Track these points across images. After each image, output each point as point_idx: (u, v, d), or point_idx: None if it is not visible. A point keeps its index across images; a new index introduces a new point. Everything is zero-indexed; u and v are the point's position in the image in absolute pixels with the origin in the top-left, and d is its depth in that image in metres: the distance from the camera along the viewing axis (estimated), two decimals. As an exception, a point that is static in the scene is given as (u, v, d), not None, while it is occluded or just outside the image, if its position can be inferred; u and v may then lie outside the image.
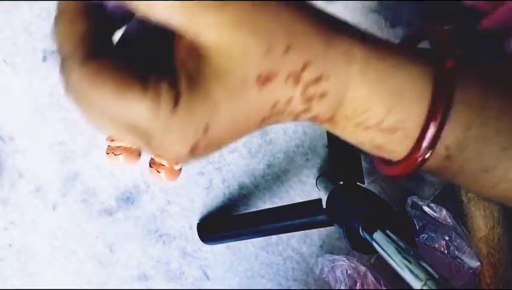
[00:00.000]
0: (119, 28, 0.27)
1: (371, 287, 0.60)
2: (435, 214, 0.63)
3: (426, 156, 0.25)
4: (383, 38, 0.25)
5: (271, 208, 0.62)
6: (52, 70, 0.61)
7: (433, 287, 0.31)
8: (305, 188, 0.65)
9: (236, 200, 0.65)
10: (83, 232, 0.64)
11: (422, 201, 0.64)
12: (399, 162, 0.26)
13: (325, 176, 0.63)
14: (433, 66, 0.25)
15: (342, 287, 0.61)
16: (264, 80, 0.24)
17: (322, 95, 0.25)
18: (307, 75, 0.24)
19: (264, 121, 0.24)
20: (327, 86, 0.25)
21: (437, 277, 0.32)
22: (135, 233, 0.64)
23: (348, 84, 0.25)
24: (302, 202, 0.57)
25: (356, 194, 0.47)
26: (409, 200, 0.65)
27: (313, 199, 0.54)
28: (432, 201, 0.64)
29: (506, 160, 0.26)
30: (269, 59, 0.24)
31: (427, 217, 0.63)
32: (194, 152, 0.24)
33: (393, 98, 0.25)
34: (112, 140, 0.59)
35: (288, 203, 0.62)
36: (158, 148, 0.24)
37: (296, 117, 0.26)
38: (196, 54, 0.24)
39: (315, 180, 0.64)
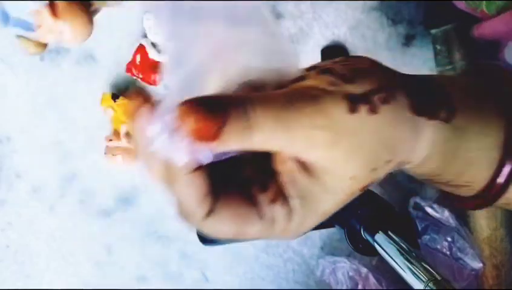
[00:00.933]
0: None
1: (373, 289, 0.60)
2: (437, 215, 0.63)
3: (488, 204, 0.28)
4: (466, 95, 0.28)
5: (271, 209, 0.62)
6: (50, 69, 0.60)
7: (435, 289, 0.31)
8: (306, 189, 0.65)
9: (236, 201, 0.64)
10: (81, 233, 0.63)
11: (424, 202, 0.64)
12: (467, 197, 0.29)
13: (326, 176, 0.62)
14: (503, 131, 0.27)
15: (344, 289, 0.60)
16: (366, 187, 0.28)
17: (403, 167, 0.28)
18: (397, 167, 0.28)
19: None
20: (409, 166, 0.28)
21: (439, 278, 0.32)
22: (133, 234, 0.64)
23: (426, 160, 0.27)
24: (303, 202, 0.56)
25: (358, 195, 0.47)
26: (411, 201, 0.65)
27: (313, 199, 0.53)
28: (434, 202, 0.64)
29: None
30: (373, 175, 0.27)
31: (429, 218, 0.63)
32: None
33: (462, 167, 0.27)
34: (111, 140, 0.59)
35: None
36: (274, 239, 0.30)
37: None
38: (306, 171, 0.27)
39: (315, 181, 0.64)
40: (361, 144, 0.25)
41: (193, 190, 0.27)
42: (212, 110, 0.23)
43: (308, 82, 0.26)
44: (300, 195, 0.27)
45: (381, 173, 0.27)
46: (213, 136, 0.23)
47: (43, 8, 0.52)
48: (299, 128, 0.24)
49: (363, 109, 0.24)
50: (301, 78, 0.26)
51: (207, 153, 0.25)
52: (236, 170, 0.29)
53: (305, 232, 0.29)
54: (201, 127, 0.23)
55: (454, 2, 0.53)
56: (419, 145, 0.26)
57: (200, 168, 0.26)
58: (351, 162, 0.26)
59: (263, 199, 0.27)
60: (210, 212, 0.27)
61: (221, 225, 0.27)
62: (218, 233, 0.28)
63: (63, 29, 0.53)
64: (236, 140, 0.24)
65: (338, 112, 0.24)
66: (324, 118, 0.24)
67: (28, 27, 0.54)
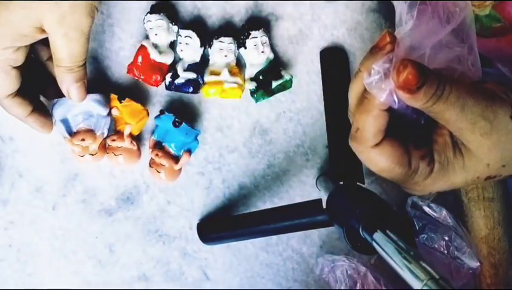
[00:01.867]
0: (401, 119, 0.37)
1: (371, 287, 0.60)
2: (435, 214, 0.63)
3: None
4: None
5: (271, 208, 0.62)
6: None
7: (433, 288, 0.31)
8: (305, 188, 0.65)
9: (236, 200, 0.65)
10: (83, 233, 0.64)
11: (422, 201, 0.64)
12: None
13: (325, 176, 0.63)
14: None
15: (342, 288, 0.61)
16: (491, 178, 0.35)
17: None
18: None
19: None
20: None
21: (437, 277, 0.32)
22: (135, 233, 0.64)
23: None
24: (302, 202, 0.57)
25: (356, 194, 0.47)
26: (409, 200, 0.65)
27: (313, 199, 0.54)
28: (432, 201, 0.64)
29: None
30: (501, 170, 0.34)
31: (427, 217, 0.63)
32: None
33: None
34: (113, 140, 0.59)
35: (288, 204, 0.62)
36: (403, 186, 0.39)
37: None
38: (455, 148, 0.35)
39: (314, 181, 0.64)
40: (506, 142, 0.32)
41: (377, 123, 0.35)
42: (421, 73, 0.31)
43: (488, 86, 0.34)
44: (442, 163, 0.35)
45: (507, 172, 0.34)
46: (411, 90, 0.31)
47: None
48: (471, 112, 0.32)
49: None
50: (482, 81, 0.35)
51: (398, 100, 0.33)
52: (403, 125, 0.37)
53: (430, 193, 0.38)
54: (409, 79, 0.31)
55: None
56: None
57: (387, 110, 0.35)
58: (493, 152, 0.33)
59: (415, 153, 0.36)
60: (378, 144, 0.36)
61: (380, 156, 0.36)
62: (374, 163, 0.37)
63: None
64: (424, 99, 0.31)
65: (502, 113, 0.32)
66: (491, 113, 0.32)
67: (69, 130, 0.59)
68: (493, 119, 0.32)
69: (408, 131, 0.37)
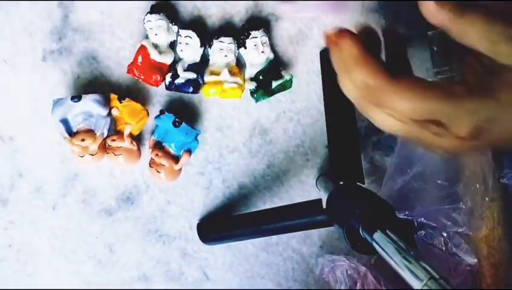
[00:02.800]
0: None
1: (372, 287, 0.60)
2: (435, 212, 0.63)
3: None
4: None
5: (271, 208, 0.63)
6: (52, 70, 0.61)
7: (433, 287, 0.31)
8: (305, 188, 0.65)
9: (236, 200, 0.65)
10: (83, 233, 0.64)
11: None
12: None
13: (325, 176, 0.63)
14: None
15: (342, 287, 0.61)
16: None
17: None
18: None
19: None
20: None
21: (437, 276, 0.32)
22: (135, 233, 0.64)
23: None
24: (302, 202, 0.57)
25: (356, 194, 0.47)
26: (409, 200, 0.65)
27: (313, 199, 0.54)
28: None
29: None
30: None
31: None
32: (476, 135, 0.32)
33: None
34: (113, 140, 0.59)
35: (288, 204, 0.62)
36: (448, 124, 0.33)
37: None
38: (488, 66, 0.33)
39: (314, 181, 0.64)
40: None
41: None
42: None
43: None
44: (476, 80, 0.33)
45: None
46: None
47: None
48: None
49: None
50: None
51: None
52: None
53: (479, 122, 0.33)
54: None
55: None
56: None
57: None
58: None
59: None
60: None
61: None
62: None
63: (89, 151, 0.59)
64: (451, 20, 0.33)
65: None
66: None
67: (69, 130, 0.58)
68: None
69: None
